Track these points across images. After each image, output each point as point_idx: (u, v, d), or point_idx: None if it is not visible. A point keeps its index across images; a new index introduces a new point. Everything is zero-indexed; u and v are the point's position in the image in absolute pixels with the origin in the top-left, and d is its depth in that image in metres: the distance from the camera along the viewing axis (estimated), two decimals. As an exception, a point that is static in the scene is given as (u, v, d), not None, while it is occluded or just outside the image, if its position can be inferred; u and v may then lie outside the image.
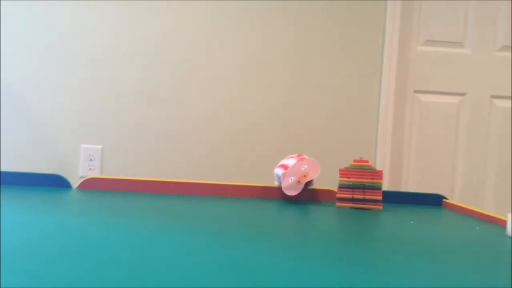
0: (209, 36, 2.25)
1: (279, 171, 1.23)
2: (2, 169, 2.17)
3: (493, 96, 2.41)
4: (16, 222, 0.73)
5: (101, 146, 2.20)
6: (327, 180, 2.20)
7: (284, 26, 2.28)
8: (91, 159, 2.19)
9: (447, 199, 1.33)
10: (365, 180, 1.18)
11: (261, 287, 0.48)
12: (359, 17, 2.30)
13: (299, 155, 1.26)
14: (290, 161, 1.23)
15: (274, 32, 2.28)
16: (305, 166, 1.19)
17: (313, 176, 1.18)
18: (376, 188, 1.18)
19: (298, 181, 1.17)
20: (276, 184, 1.28)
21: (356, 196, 1.18)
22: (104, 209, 0.92)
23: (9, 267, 0.49)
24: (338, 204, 1.19)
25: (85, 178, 1.22)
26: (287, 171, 1.20)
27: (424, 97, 2.39)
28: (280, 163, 1.27)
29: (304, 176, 1.17)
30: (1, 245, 0.58)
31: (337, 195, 1.19)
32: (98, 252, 0.59)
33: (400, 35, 2.34)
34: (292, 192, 1.18)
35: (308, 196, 1.28)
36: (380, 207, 1.18)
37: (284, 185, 1.18)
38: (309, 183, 1.23)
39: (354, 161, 1.20)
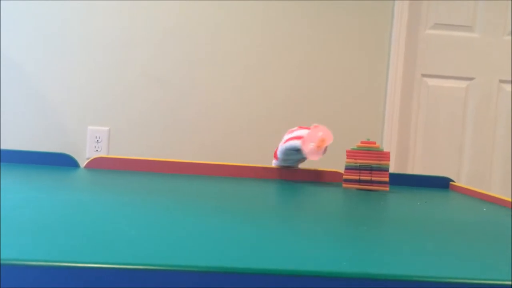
0: (220, 20, 2.24)
1: (296, 142, 1.21)
2: (11, 149, 2.18)
3: (501, 81, 2.39)
4: (26, 199, 0.74)
5: (108, 128, 2.21)
6: (333, 161, 2.20)
7: (294, 9, 2.26)
8: (98, 140, 2.20)
9: (454, 181, 1.33)
10: (372, 162, 1.18)
11: (267, 266, 0.49)
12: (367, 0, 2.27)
13: (300, 127, 1.25)
14: (302, 131, 1.23)
15: (284, 16, 2.26)
16: (321, 133, 1.20)
17: (329, 141, 1.18)
18: (383, 169, 1.18)
19: (318, 146, 1.17)
20: (273, 163, 1.29)
21: (362, 178, 1.18)
22: (113, 187, 0.93)
23: (20, 242, 0.50)
24: (344, 185, 1.19)
25: (93, 157, 1.22)
26: (305, 138, 1.19)
27: (431, 81, 2.37)
28: (288, 136, 1.25)
29: (322, 141, 1.18)
30: (12, 221, 0.59)
31: (344, 177, 1.19)
32: (107, 228, 0.59)
33: (409, 18, 2.32)
34: (315, 157, 1.17)
35: (315, 177, 1.28)
36: (387, 189, 1.17)
37: (306, 150, 1.18)
38: (325, 150, 1.22)
39: (361, 142, 1.20)
